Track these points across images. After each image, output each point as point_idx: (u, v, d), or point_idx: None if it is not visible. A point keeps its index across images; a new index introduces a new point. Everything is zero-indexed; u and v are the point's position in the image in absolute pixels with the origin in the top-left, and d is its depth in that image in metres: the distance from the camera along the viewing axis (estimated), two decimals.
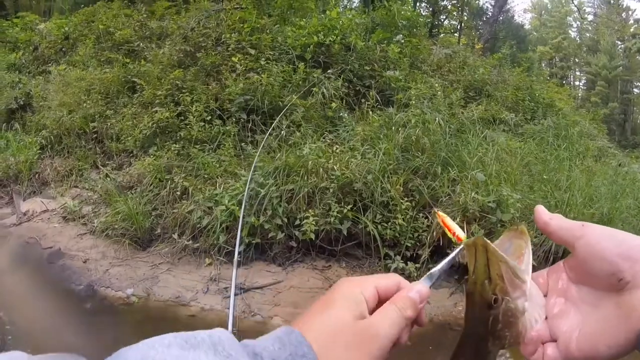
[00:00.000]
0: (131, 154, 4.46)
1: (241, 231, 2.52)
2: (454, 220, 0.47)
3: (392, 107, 4.65)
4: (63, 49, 7.12)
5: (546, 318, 0.40)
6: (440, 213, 0.44)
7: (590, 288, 0.38)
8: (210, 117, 4.21)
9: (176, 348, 0.26)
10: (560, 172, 4.86)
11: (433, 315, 3.66)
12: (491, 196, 3.77)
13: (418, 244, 3.77)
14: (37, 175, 5.29)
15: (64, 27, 7.44)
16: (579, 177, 4.91)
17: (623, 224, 4.78)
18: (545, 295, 0.41)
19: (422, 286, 0.41)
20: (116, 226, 3.89)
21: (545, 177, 4.55)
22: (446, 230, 0.44)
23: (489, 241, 0.38)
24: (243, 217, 2.73)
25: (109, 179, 4.32)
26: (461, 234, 0.43)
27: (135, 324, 3.18)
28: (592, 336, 0.36)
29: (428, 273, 0.43)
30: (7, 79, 6.52)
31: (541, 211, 0.41)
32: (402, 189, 3.79)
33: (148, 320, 3.17)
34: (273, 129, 3.74)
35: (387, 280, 0.42)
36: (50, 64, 6.82)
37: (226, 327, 3.08)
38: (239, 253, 2.82)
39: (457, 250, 0.43)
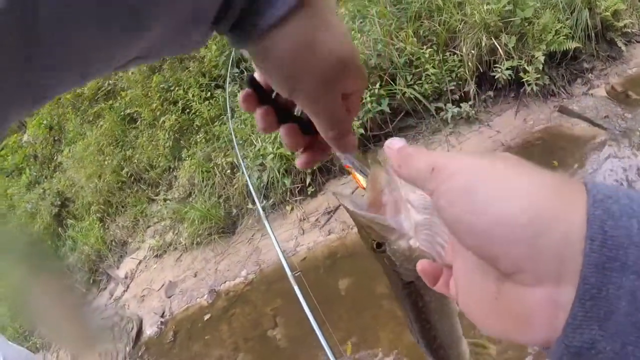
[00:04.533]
0: (171, 169, 4.61)
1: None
2: None
3: None
4: (55, 138, 7.31)
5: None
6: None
7: None
8: (209, 93, 4.19)
9: None
10: None
11: (510, 141, 3.58)
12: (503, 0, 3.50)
13: (460, 82, 3.64)
14: (112, 242, 5.70)
15: (43, 122, 7.59)
16: None
17: None
18: None
19: None
20: (200, 231, 4.12)
21: None
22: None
23: (346, 201, 0.36)
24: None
25: (168, 201, 4.53)
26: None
27: (266, 295, 3.35)
28: (468, 297, 0.28)
29: None
30: (34, 196, 6.84)
31: (389, 144, 0.31)
32: (415, 39, 3.59)
33: (273, 287, 3.32)
34: None
35: None
36: (56, 158, 7.07)
37: (327, 256, 3.18)
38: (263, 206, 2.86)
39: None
